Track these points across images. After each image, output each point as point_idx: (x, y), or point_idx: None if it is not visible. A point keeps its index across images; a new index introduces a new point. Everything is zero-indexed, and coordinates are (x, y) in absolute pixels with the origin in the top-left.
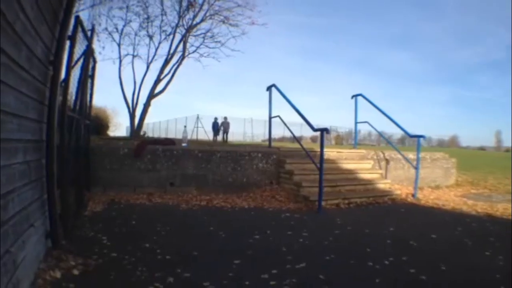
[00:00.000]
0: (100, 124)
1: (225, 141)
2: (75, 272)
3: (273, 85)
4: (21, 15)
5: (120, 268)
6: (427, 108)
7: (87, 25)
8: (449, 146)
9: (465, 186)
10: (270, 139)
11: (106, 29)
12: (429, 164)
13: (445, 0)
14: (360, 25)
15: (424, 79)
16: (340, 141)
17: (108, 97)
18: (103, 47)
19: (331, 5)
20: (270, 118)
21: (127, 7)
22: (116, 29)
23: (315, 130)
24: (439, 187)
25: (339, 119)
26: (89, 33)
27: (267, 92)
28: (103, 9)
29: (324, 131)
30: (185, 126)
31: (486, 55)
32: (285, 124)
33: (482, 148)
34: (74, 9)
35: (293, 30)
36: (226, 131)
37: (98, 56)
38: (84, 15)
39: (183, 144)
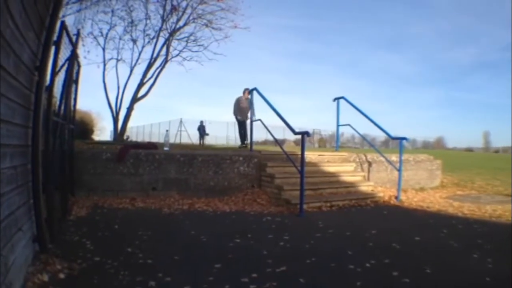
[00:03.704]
0: (85, 128)
1: (201, 144)
2: (61, 276)
3: (255, 89)
4: (10, 23)
5: (103, 272)
6: (416, 110)
7: (72, 29)
8: (435, 147)
9: (450, 187)
10: (251, 142)
11: (91, 33)
12: (413, 166)
13: (435, 1)
14: (348, 27)
15: (413, 81)
16: (324, 143)
17: (93, 101)
18: (88, 51)
19: (318, 7)
20: (251, 121)
21: (112, 11)
22: (101, 33)
23: (296, 133)
24: (424, 189)
25: (324, 121)
26: (74, 38)
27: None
28: (89, 13)
29: (305, 134)
30: (167, 130)
31: (476, 56)
32: (266, 127)
33: (469, 149)
34: (60, 15)
35: (278, 32)
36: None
37: (83, 61)
38: (70, 20)
39: (165, 148)
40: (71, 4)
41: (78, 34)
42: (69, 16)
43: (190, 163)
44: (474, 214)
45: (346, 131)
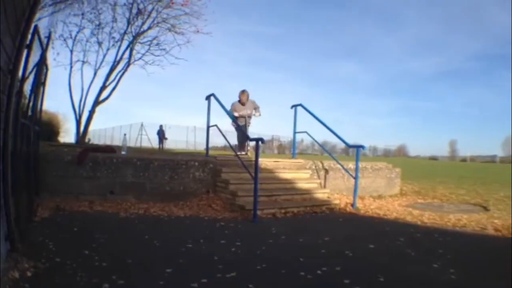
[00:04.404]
0: (51, 130)
1: (160, 149)
2: (29, 274)
3: (212, 95)
4: None
5: (63, 273)
6: (378, 118)
7: (44, 32)
8: (396, 155)
9: (410, 195)
10: (207, 148)
11: (62, 35)
12: (371, 173)
13: (399, 11)
14: (306, 36)
15: (375, 89)
16: (283, 150)
17: (61, 103)
18: (58, 53)
19: (277, 15)
20: (208, 127)
21: (83, 14)
22: (71, 35)
23: (250, 139)
24: (382, 196)
25: (283, 128)
26: (45, 41)
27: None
28: (61, 16)
29: (259, 140)
30: (124, 134)
31: (440, 66)
32: (222, 133)
33: (433, 158)
34: (35, 19)
35: (238, 38)
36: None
37: (52, 63)
38: (43, 23)
39: (122, 152)
40: (47, 7)
41: (49, 37)
42: (43, 19)
43: (146, 167)
44: (435, 223)
45: (306, 138)
